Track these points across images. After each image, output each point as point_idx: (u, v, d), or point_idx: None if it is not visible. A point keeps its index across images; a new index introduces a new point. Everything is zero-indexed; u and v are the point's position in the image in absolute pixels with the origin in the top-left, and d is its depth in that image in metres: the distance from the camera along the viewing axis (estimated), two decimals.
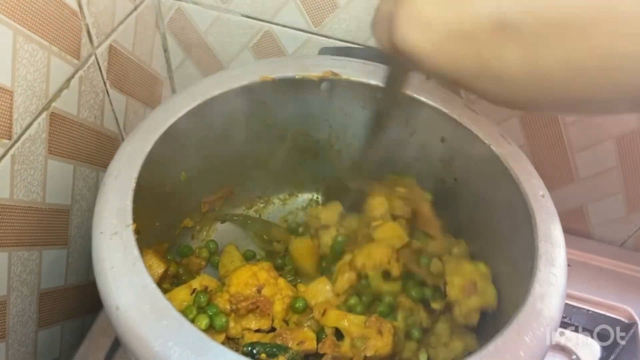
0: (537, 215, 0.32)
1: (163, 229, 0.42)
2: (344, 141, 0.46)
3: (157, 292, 0.26)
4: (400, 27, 0.24)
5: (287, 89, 0.41)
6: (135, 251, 0.27)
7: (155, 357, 0.24)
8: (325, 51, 0.46)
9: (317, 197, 0.51)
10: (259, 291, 0.36)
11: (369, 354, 0.34)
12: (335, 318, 0.36)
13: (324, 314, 0.36)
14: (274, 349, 0.33)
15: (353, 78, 0.39)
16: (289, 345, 0.33)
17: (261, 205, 0.51)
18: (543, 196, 0.33)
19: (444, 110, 0.38)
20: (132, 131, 0.33)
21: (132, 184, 0.30)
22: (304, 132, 0.46)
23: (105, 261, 0.27)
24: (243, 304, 0.34)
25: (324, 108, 0.44)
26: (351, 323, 0.35)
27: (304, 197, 0.52)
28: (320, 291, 0.39)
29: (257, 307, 0.35)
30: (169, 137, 0.35)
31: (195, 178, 0.42)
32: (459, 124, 0.38)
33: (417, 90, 0.39)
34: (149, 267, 0.28)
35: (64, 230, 0.45)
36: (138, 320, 0.25)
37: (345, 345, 0.35)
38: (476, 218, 0.39)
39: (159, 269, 0.35)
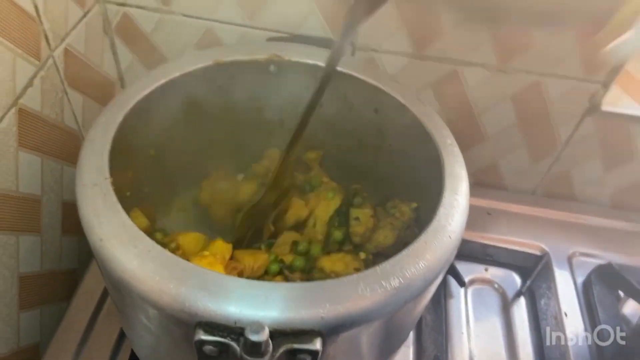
0: (445, 158, 0.39)
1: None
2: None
3: (134, 226, 0.31)
4: None
5: (240, 72, 0.47)
6: (113, 198, 0.33)
7: (133, 277, 0.30)
8: (272, 39, 0.53)
9: None
10: None
11: None
12: None
13: None
14: None
15: (295, 59, 0.46)
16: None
17: None
18: (450, 143, 0.40)
19: (373, 82, 0.45)
20: (106, 107, 0.39)
21: (108, 147, 0.36)
22: (259, 113, 0.52)
23: (89, 205, 0.32)
24: None
25: (274, 90, 0.49)
26: None
27: None
28: None
29: None
30: (135, 114, 0.39)
31: (163, 156, 0.47)
32: (385, 92, 0.45)
33: (350, 67, 0.46)
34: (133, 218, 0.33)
35: (36, 218, 0.48)
36: (119, 248, 0.30)
37: None
38: (406, 171, 0.46)
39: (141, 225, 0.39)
